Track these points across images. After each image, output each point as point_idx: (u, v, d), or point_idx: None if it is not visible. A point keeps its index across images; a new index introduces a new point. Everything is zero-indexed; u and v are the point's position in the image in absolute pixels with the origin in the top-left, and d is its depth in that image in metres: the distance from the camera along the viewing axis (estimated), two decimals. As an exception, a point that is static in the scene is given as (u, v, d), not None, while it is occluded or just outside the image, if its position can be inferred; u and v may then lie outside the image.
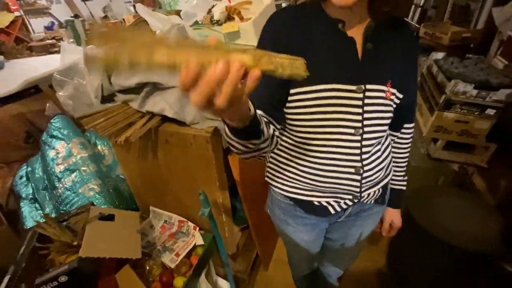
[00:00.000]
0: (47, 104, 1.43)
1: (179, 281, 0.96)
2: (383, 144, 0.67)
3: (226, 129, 0.46)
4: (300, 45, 0.56)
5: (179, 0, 3.52)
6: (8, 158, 1.41)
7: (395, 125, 0.69)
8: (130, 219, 0.95)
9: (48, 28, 4.08)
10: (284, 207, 0.76)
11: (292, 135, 0.65)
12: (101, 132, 0.81)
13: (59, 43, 2.30)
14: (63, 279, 0.70)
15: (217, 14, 1.23)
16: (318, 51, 0.56)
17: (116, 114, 0.91)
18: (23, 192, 1.26)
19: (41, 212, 1.20)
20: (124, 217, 0.94)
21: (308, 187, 0.67)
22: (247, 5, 1.25)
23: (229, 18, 1.24)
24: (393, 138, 0.73)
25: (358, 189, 0.65)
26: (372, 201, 0.71)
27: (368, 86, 0.56)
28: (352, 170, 0.62)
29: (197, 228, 1.09)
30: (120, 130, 0.86)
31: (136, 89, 0.91)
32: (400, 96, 0.60)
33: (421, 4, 2.86)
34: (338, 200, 0.68)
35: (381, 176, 0.68)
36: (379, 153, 0.65)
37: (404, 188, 0.80)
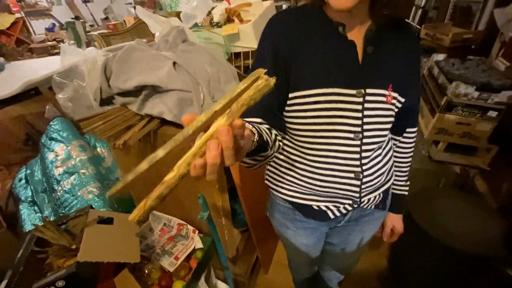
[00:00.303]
0: (47, 107, 1.42)
1: (178, 285, 0.95)
2: (384, 148, 0.66)
3: None
4: (299, 48, 0.55)
5: (180, 2, 3.54)
6: (7, 160, 1.40)
7: (397, 129, 0.69)
8: (129, 223, 0.94)
9: (49, 29, 4.10)
10: (283, 210, 0.75)
11: (292, 138, 0.64)
12: (100, 135, 0.81)
13: (60, 45, 2.31)
14: (60, 283, 0.70)
15: (217, 16, 1.23)
16: (318, 54, 0.55)
17: (115, 117, 0.91)
18: (22, 194, 1.25)
19: (40, 215, 1.20)
20: (123, 220, 0.94)
21: (307, 191, 0.66)
22: (247, 7, 1.25)
23: (228, 20, 1.24)
24: (395, 142, 0.72)
25: (357, 194, 0.64)
26: (373, 206, 0.70)
27: (368, 90, 0.55)
28: (352, 175, 0.61)
29: (197, 231, 1.08)
30: (118, 133, 0.86)
31: (134, 92, 0.91)
32: (402, 100, 0.59)
33: (422, 5, 2.85)
34: (338, 204, 0.67)
35: (381, 181, 0.67)
36: (379, 158, 0.64)
37: (406, 193, 0.79)
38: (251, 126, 0.48)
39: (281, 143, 0.64)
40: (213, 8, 1.34)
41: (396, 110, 0.60)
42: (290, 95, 0.57)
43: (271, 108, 0.58)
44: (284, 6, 2.80)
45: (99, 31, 2.65)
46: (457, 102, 1.30)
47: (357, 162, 0.60)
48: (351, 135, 0.58)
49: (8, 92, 1.38)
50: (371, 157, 0.62)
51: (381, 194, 0.70)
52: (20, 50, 2.64)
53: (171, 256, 1.01)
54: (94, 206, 1.06)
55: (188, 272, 0.99)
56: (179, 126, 0.88)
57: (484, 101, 1.26)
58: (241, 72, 1.09)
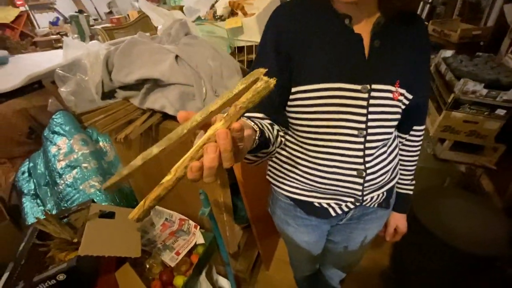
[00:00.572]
0: (49, 100, 1.42)
1: (179, 280, 0.95)
2: (389, 146, 0.64)
3: None
4: (303, 41, 0.54)
5: (183, -5, 3.50)
6: (11, 153, 1.41)
7: (404, 127, 0.67)
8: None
9: (53, 23, 4.09)
10: (284, 207, 0.74)
11: (294, 134, 0.63)
12: (101, 129, 0.80)
13: (63, 38, 2.31)
14: (61, 277, 0.70)
15: (220, 9, 1.21)
16: (323, 48, 0.53)
17: (117, 111, 0.90)
18: (25, 187, 1.26)
19: (43, 208, 1.20)
20: (125, 214, 0.93)
21: (308, 187, 0.65)
22: (251, 0, 1.22)
23: (232, 13, 1.22)
24: (401, 140, 0.71)
25: (360, 192, 0.63)
26: (376, 205, 0.69)
27: (374, 86, 0.53)
28: (354, 172, 0.60)
29: (198, 227, 1.08)
30: (120, 127, 0.85)
31: (136, 86, 0.90)
32: (410, 96, 0.58)
33: (429, 1, 2.79)
34: (339, 202, 0.66)
35: (385, 179, 0.65)
36: (383, 156, 0.63)
37: (411, 192, 0.77)
38: (252, 124, 0.47)
39: (283, 139, 0.63)
40: (216, 1, 1.32)
41: (403, 107, 0.58)
42: (293, 90, 0.56)
43: (273, 103, 0.57)
44: None
45: (103, 25, 2.64)
46: (465, 99, 1.27)
47: (360, 160, 0.59)
48: (355, 132, 0.56)
49: (12, 85, 1.38)
50: (375, 155, 0.60)
51: (385, 193, 0.68)
52: (24, 43, 2.64)
53: (172, 251, 1.01)
54: (95, 200, 1.06)
55: (189, 268, 0.99)
56: (181, 121, 0.87)
57: (493, 98, 1.23)
58: (244, 67, 1.07)
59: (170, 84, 0.87)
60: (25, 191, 1.26)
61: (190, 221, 1.09)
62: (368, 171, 0.60)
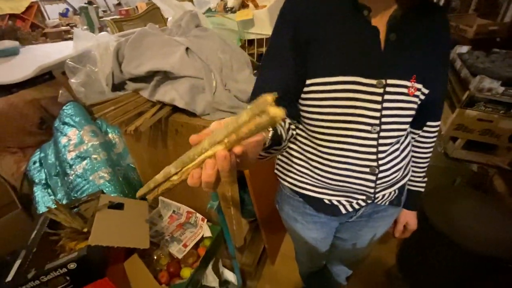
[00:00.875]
0: (60, 91, 1.44)
1: (186, 272, 0.96)
2: (402, 143, 0.63)
3: None
4: (321, 31, 0.52)
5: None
6: (22, 143, 1.43)
7: (417, 123, 0.65)
8: (139, 208, 0.95)
9: (63, 14, 4.11)
10: (293, 203, 0.73)
11: (305, 128, 0.62)
12: (111, 121, 0.80)
13: (73, 30, 2.31)
14: (72, 266, 0.71)
15: (231, 1, 1.19)
16: (339, 40, 0.52)
17: (127, 103, 0.90)
18: (36, 177, 1.28)
19: (53, 198, 1.22)
20: (133, 206, 0.94)
21: (318, 184, 0.64)
22: (262, -8, 1.20)
23: (243, 5, 1.20)
24: (413, 136, 0.69)
25: (372, 190, 0.61)
26: (387, 203, 0.68)
27: (390, 81, 0.52)
28: (367, 169, 0.58)
29: (205, 220, 1.08)
30: (130, 119, 0.85)
31: (146, 78, 0.90)
32: (426, 91, 0.56)
33: (445, -6, 2.71)
34: (350, 200, 0.65)
35: (398, 177, 0.64)
36: (397, 153, 0.61)
37: (423, 189, 0.75)
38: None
39: (294, 132, 0.62)
40: (227, -7, 1.30)
41: (419, 102, 0.56)
42: (308, 82, 0.54)
43: (287, 94, 0.56)
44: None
45: (112, 17, 2.63)
46: (480, 97, 1.23)
47: (373, 157, 0.57)
48: (368, 128, 0.55)
49: (23, 76, 1.39)
50: (388, 152, 0.59)
51: (397, 191, 0.67)
52: (35, 34, 2.65)
53: (179, 243, 1.02)
54: (105, 191, 1.08)
55: (196, 260, 1.00)
56: (191, 114, 0.87)
57: (510, 97, 1.19)
58: (254, 60, 1.06)
59: (180, 77, 0.86)
60: (36, 181, 1.28)
61: (198, 214, 1.10)
62: (381, 168, 0.59)
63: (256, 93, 0.58)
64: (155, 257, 0.97)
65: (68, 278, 0.73)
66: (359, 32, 0.52)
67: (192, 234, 1.05)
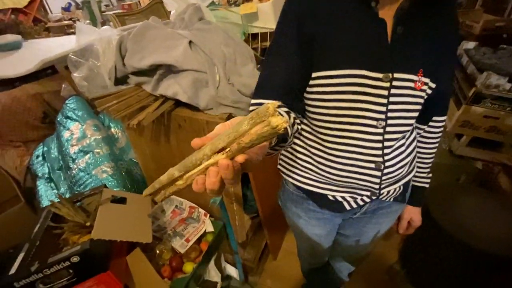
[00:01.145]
0: (63, 85, 1.43)
1: (188, 267, 0.96)
2: (407, 138, 0.62)
3: None
4: (326, 24, 0.51)
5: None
6: (25, 137, 1.43)
7: (423, 118, 0.64)
8: (142, 203, 0.95)
9: (65, 9, 4.09)
10: (296, 199, 0.73)
11: (310, 123, 0.61)
12: (113, 115, 0.80)
13: (76, 24, 2.30)
14: (75, 259, 0.71)
15: (235, -6, 1.18)
16: (346, 32, 0.51)
17: (129, 97, 0.89)
18: (39, 171, 1.28)
19: (56, 192, 1.23)
20: (136, 200, 0.94)
21: (322, 179, 0.63)
22: (267, -14, 1.18)
23: (247, -1, 1.18)
24: (419, 131, 0.68)
25: (377, 186, 0.61)
26: (392, 199, 0.67)
27: (396, 75, 0.51)
28: (372, 165, 0.58)
29: (208, 215, 1.08)
30: (132, 113, 0.84)
31: (149, 72, 0.89)
32: (433, 85, 0.55)
33: (451, -11, 2.67)
34: (355, 196, 0.64)
35: (403, 173, 0.63)
36: (402, 148, 0.60)
37: (427, 186, 0.74)
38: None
39: (299, 126, 0.61)
40: (230, -14, 1.28)
41: (426, 97, 0.55)
42: (314, 75, 0.53)
43: (292, 89, 0.55)
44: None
45: (114, 11, 2.62)
46: (487, 93, 1.21)
47: (379, 152, 0.57)
48: (374, 122, 0.54)
49: (26, 70, 1.39)
50: (394, 147, 0.58)
51: (402, 187, 0.66)
52: (37, 28, 2.64)
53: (182, 238, 1.02)
54: (107, 186, 1.07)
55: (198, 255, 1.00)
56: (194, 108, 0.86)
57: (517, 93, 1.17)
58: (258, 54, 1.05)
59: (183, 71, 0.85)
60: (40, 175, 1.28)
61: (200, 209, 1.09)
62: (387, 163, 0.58)
63: (260, 88, 0.57)
64: (158, 252, 0.98)
65: (71, 271, 0.73)
66: (365, 24, 0.51)
67: (194, 229, 1.05)
